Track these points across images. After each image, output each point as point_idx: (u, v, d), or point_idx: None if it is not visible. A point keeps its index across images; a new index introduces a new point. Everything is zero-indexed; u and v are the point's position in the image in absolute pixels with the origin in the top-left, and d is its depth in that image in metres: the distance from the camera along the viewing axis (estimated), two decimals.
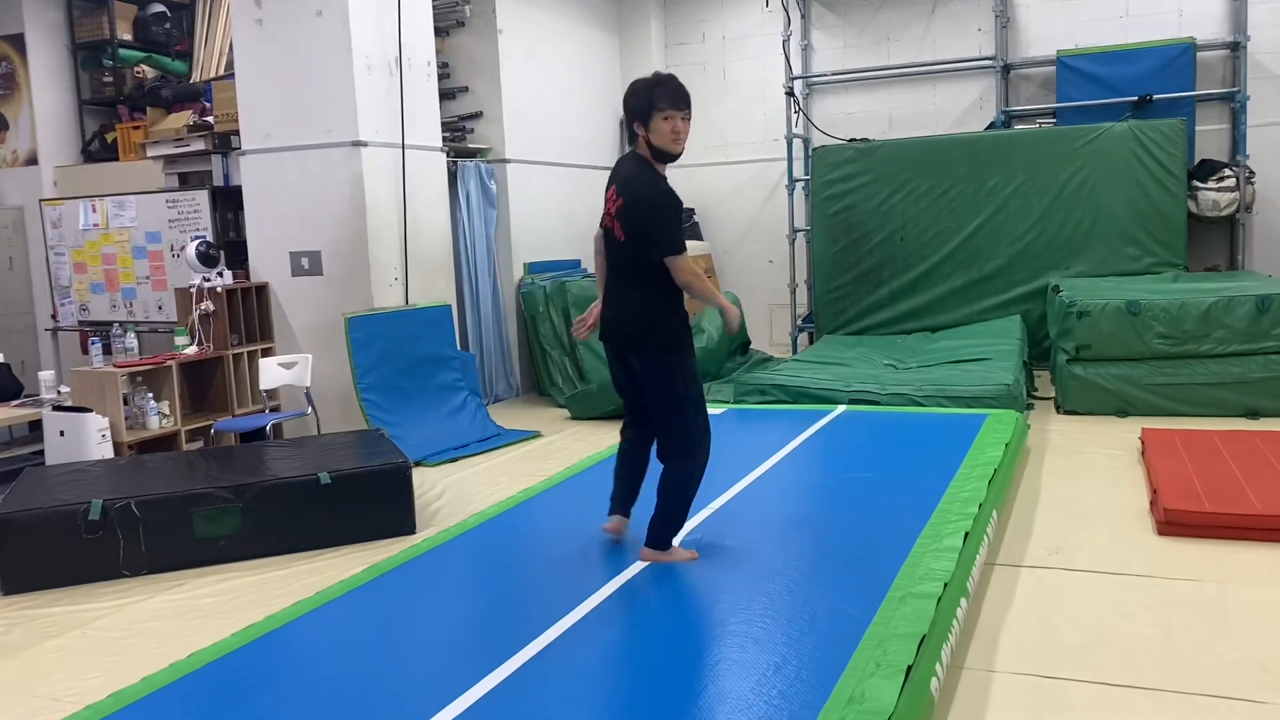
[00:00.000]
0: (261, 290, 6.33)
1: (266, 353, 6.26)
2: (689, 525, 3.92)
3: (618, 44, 9.92)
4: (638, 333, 3.46)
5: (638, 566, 3.65)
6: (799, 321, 9.42)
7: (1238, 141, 8.10)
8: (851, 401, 6.22)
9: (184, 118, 7.32)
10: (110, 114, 8.06)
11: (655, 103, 3.35)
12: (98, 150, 7.99)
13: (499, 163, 8.03)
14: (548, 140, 8.58)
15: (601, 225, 3.57)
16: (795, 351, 9.23)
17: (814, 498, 4.57)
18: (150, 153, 7.04)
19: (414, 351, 6.32)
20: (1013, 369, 6.42)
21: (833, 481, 4.71)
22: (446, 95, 8.09)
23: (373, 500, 4.52)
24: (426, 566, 3.86)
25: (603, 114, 9.62)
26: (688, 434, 3.50)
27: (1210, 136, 8.28)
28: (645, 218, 3.34)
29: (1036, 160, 8.10)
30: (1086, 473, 5.12)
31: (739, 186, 9.99)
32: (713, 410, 6.27)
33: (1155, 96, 8.07)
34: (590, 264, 9.17)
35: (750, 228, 10.01)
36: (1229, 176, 7.92)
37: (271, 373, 5.85)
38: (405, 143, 6.31)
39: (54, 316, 7.47)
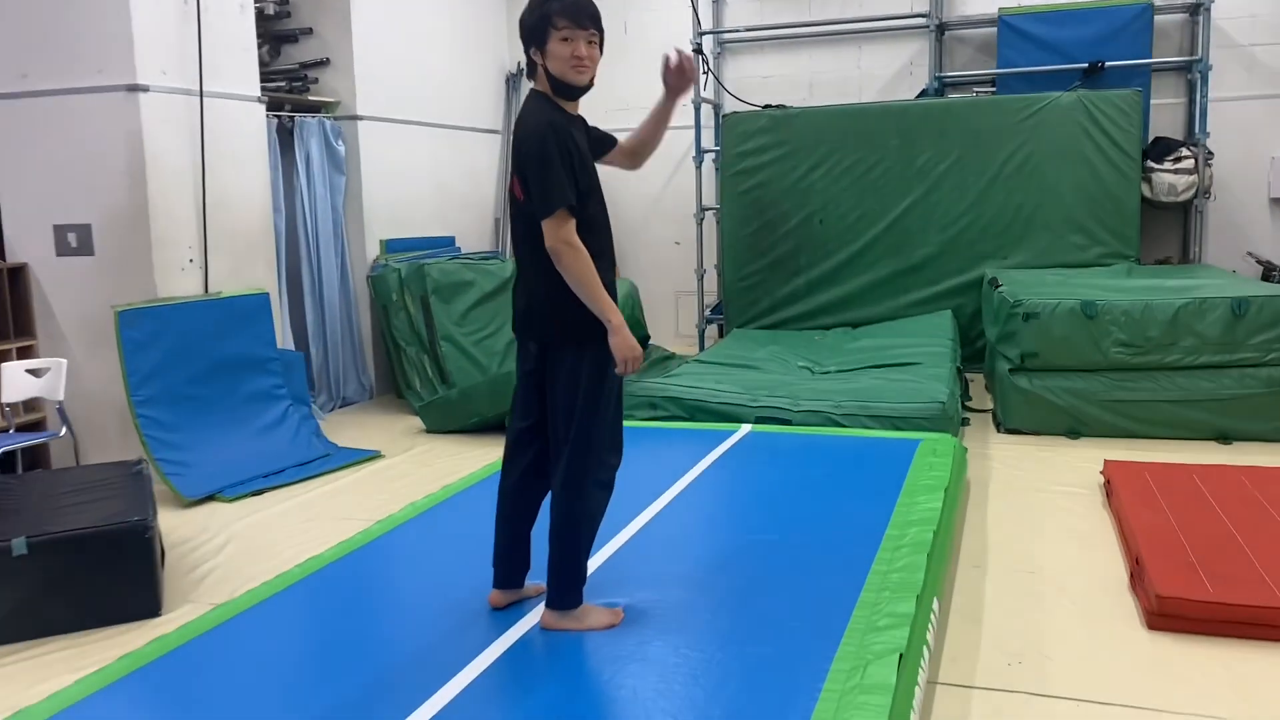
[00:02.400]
0: (18, 273, 4.98)
1: (24, 352, 4.92)
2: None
3: None
4: (544, 320, 2.73)
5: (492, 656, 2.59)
6: (707, 313, 8.32)
7: (1196, 117, 7.19)
8: (759, 420, 5.13)
9: None
10: None
11: (552, 19, 2.66)
12: None
13: (349, 119, 6.73)
14: (412, 95, 7.29)
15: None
16: (702, 348, 8.14)
17: (705, 565, 3.43)
18: None
19: (216, 352, 5.04)
20: (946, 379, 5.39)
21: (729, 543, 3.60)
22: (286, 38, 6.76)
23: (96, 573, 3.28)
24: (163, 677, 2.65)
25: (484, 69, 8.35)
26: (594, 452, 2.74)
27: (1165, 111, 7.37)
28: (528, 164, 2.63)
29: (973, 134, 7.10)
30: (1042, 522, 4.10)
31: None
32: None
33: (1108, 63, 7.12)
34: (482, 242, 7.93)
35: (655, 205, 8.85)
36: (1186, 157, 7.01)
37: (17, 381, 4.53)
38: (204, 89, 5.00)
39: None
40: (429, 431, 5.99)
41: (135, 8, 4.65)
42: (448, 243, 7.65)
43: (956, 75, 7.74)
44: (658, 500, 4.07)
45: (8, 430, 4.60)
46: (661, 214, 8.80)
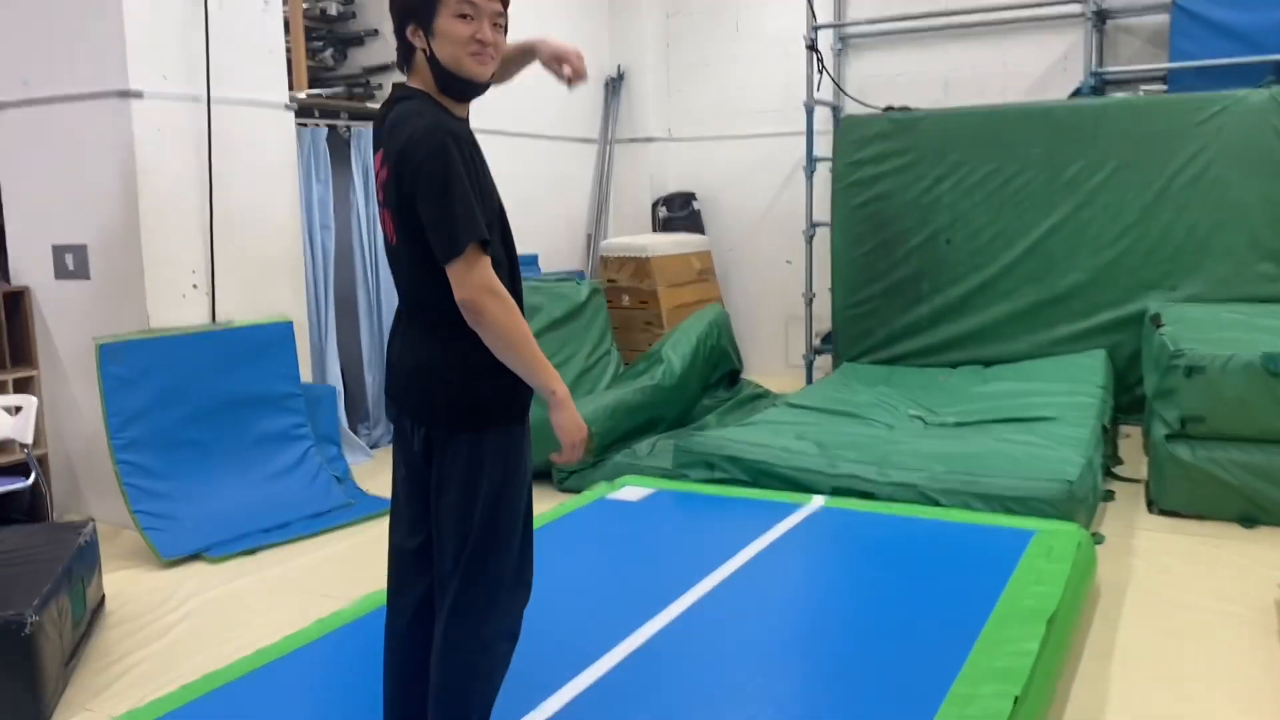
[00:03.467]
0: (18, 298, 4.58)
1: (21, 385, 4.51)
2: None
3: None
4: (429, 397, 2.02)
5: None
6: (817, 342, 7.38)
7: None
8: (836, 491, 4.22)
9: None
10: None
11: None
12: None
13: None
14: (491, 102, 6.63)
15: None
16: (809, 380, 7.22)
17: (714, 686, 2.59)
18: None
19: (221, 389, 4.51)
20: (1085, 445, 4.33)
21: (748, 656, 2.73)
22: (352, 40, 6.25)
23: None
24: None
25: None
26: (495, 588, 2.01)
27: None
28: (420, 187, 1.88)
29: (1135, 140, 5.92)
30: (1190, 663, 3.05)
31: (752, 167, 7.95)
32: (636, 491, 4.38)
33: None
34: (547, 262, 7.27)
35: (764, 219, 7.98)
36: None
37: None
38: (215, 95, 4.47)
39: None
40: None
41: (128, 6, 4.15)
42: (530, 260, 7.01)
43: (1119, 71, 6.54)
44: (694, 588, 3.28)
45: None
46: (770, 229, 7.92)
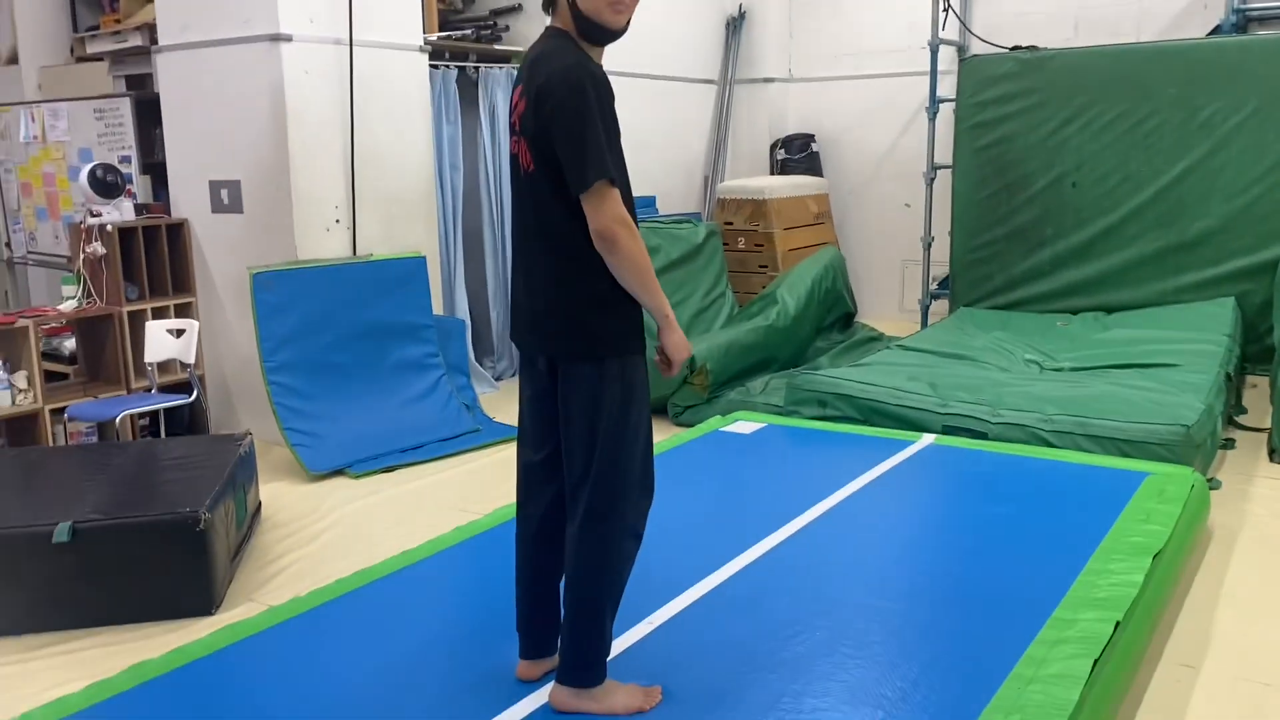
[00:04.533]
0: (178, 229, 4.95)
1: (181, 310, 4.90)
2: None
3: None
4: (556, 331, 2.18)
5: None
6: (934, 286, 7.34)
7: None
8: (946, 430, 4.29)
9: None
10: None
11: None
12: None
13: None
14: (615, 45, 6.76)
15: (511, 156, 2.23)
16: (924, 324, 7.21)
17: (805, 618, 2.75)
18: (90, 49, 5.74)
19: (362, 318, 4.81)
20: (1205, 391, 4.29)
21: (847, 592, 2.87)
22: None
23: (144, 566, 3.07)
24: (171, 693, 2.37)
25: (699, 12, 7.70)
26: (621, 493, 2.19)
27: None
28: (559, 121, 2.03)
29: (1278, 81, 5.69)
30: None
31: (873, 108, 7.89)
32: (748, 424, 4.53)
33: None
34: (664, 204, 7.39)
35: (884, 162, 7.93)
36: None
37: (158, 341, 4.48)
38: (355, 38, 4.71)
39: (8, 245, 6.41)
40: None
41: None
42: (647, 203, 7.14)
43: (1263, 8, 6.26)
44: (797, 518, 3.43)
45: (150, 390, 4.57)
46: (890, 172, 7.87)
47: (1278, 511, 3.82)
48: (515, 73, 5.67)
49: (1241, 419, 5.00)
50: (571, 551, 2.22)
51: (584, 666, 2.25)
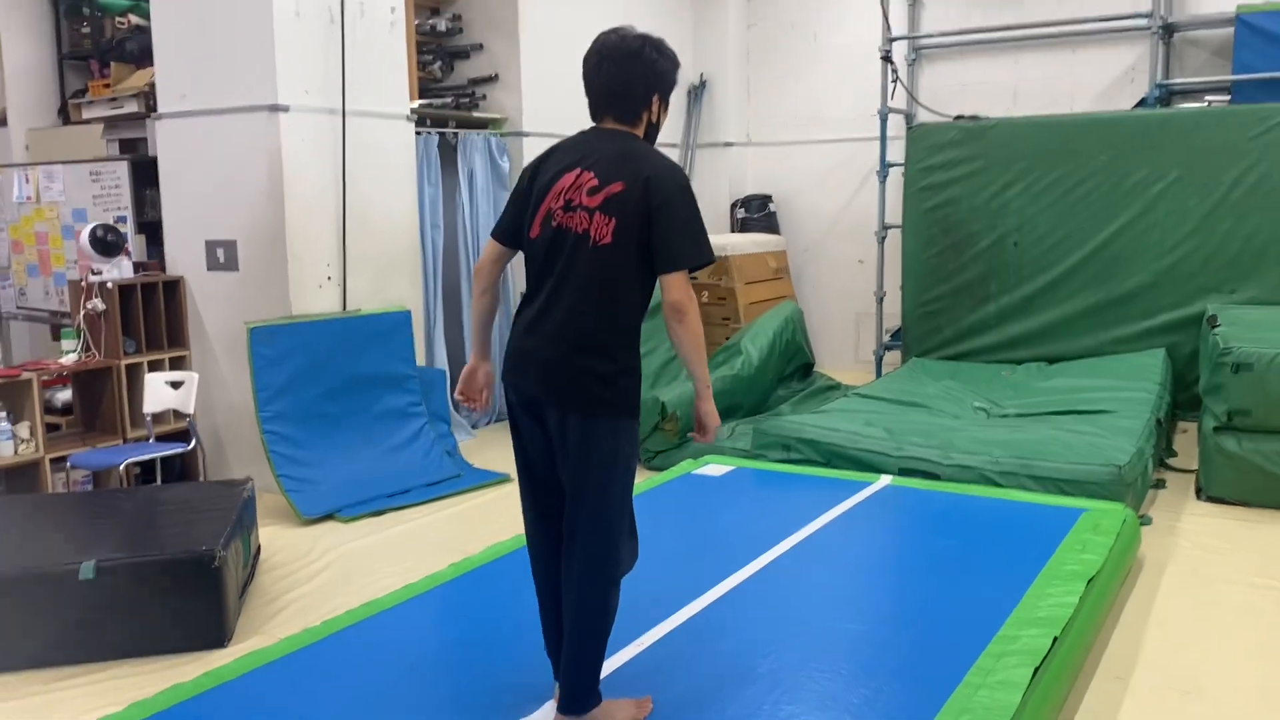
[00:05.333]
0: (174, 286, 5.19)
1: (176, 363, 5.12)
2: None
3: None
4: (587, 383, 2.35)
5: None
6: (886, 338, 7.74)
7: None
8: (902, 471, 4.63)
9: (149, 74, 6.25)
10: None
11: (676, 80, 2.59)
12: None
13: (514, 136, 6.68)
14: (583, 111, 7.14)
15: (540, 225, 2.43)
16: (879, 374, 7.59)
17: (766, 645, 3.05)
18: (86, 114, 6.00)
19: (351, 369, 5.06)
20: (1137, 435, 4.68)
21: (817, 620, 3.17)
22: (459, 54, 6.80)
23: (163, 601, 3.28)
24: (222, 702, 2.59)
25: None
26: (621, 536, 2.44)
27: None
28: (670, 211, 2.33)
29: (1199, 150, 6.20)
30: (1219, 626, 3.42)
31: (828, 171, 8.34)
32: (718, 468, 4.84)
33: None
34: None
35: (838, 221, 8.37)
36: None
37: (157, 392, 4.70)
38: (346, 108, 5.03)
39: None
40: None
41: (279, 30, 4.73)
42: None
43: (1184, 83, 6.82)
44: (766, 553, 3.72)
45: (148, 439, 4.77)
46: (844, 230, 8.30)
47: (1203, 545, 4.19)
48: (492, 138, 5.95)
49: (1172, 461, 5.40)
50: (575, 594, 2.42)
51: (584, 694, 2.46)
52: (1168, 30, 6.80)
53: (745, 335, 6.39)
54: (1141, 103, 6.77)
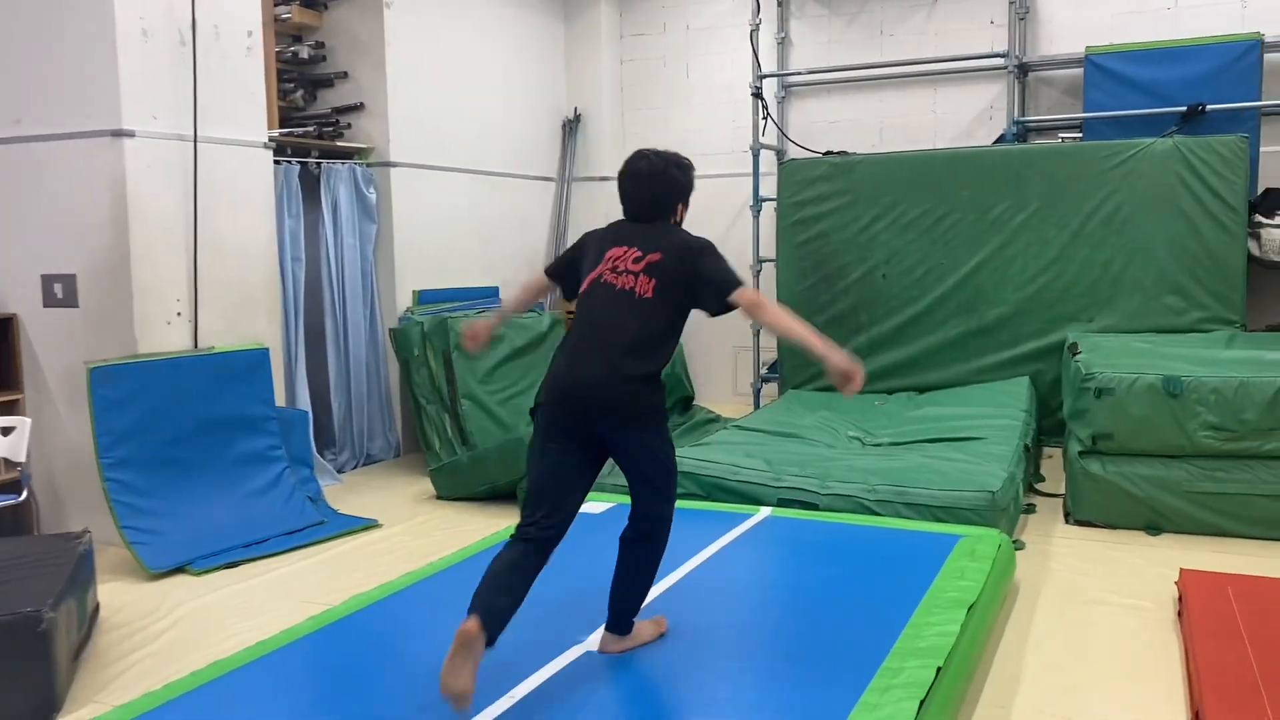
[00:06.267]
0: (7, 324, 4.80)
1: (6, 407, 4.72)
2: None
3: (562, 32, 8.35)
4: (635, 402, 2.91)
5: None
6: (763, 370, 7.77)
7: None
8: (782, 502, 4.58)
9: None
10: None
11: (693, 186, 3.26)
12: None
13: (381, 166, 6.48)
14: (454, 141, 7.02)
15: (591, 283, 3.04)
16: (757, 406, 7.60)
17: (652, 684, 2.93)
18: None
19: (203, 411, 4.75)
20: (1007, 461, 4.75)
21: (697, 657, 3.06)
22: (322, 82, 6.57)
23: None
24: None
25: (537, 114, 8.05)
26: (670, 513, 3.10)
27: (1277, 160, 6.56)
28: (704, 260, 3.01)
29: (1054, 184, 6.44)
30: (1096, 647, 3.44)
31: (702, 206, 8.22)
32: (597, 505, 4.70)
33: (1209, 107, 6.37)
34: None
35: None
36: None
37: None
38: (198, 134, 4.76)
39: None
40: (440, 498, 5.60)
41: (124, 50, 4.45)
42: (490, 294, 7.32)
43: (1039, 120, 7.09)
44: (652, 588, 3.56)
45: None
46: None
47: (1074, 568, 4.25)
48: (358, 168, 5.71)
49: (1041, 486, 5.52)
50: (643, 553, 3.06)
51: (631, 620, 3.11)
52: (1023, 70, 7.06)
53: None
54: (1000, 139, 7.00)
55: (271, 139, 5.35)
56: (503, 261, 7.59)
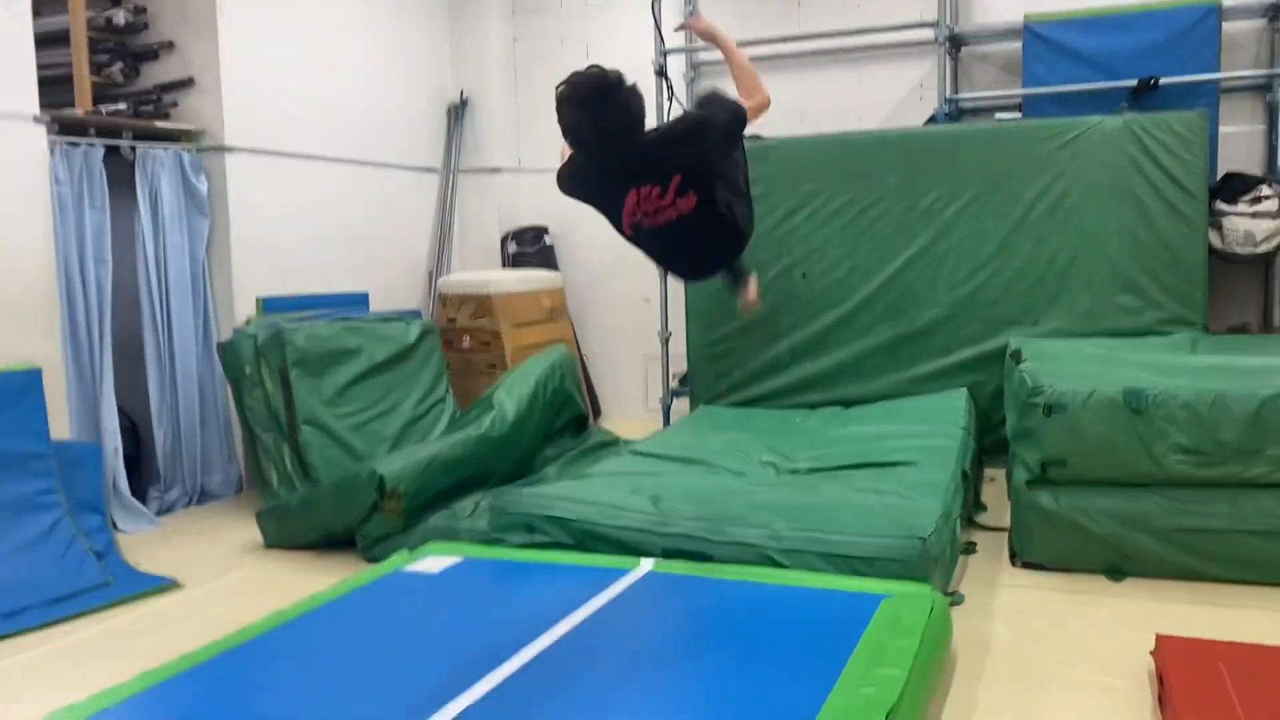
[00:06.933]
0: None
1: None
2: None
3: (445, 5, 7.43)
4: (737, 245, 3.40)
5: None
6: (674, 383, 6.92)
7: (1279, 148, 5.69)
8: (667, 553, 3.71)
9: None
10: None
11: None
12: None
13: (215, 151, 5.52)
14: (310, 125, 6.08)
15: (638, 227, 3.27)
16: (666, 422, 6.74)
17: None
18: None
19: None
20: (941, 493, 3.92)
21: None
22: (145, 55, 5.59)
23: None
24: None
25: (416, 97, 7.13)
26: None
27: (1238, 141, 5.88)
28: (704, 131, 3.13)
29: (992, 169, 5.67)
30: None
31: None
32: (438, 560, 3.79)
33: (1162, 80, 5.65)
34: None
35: (622, 253, 7.45)
36: (1267, 197, 5.49)
37: None
38: None
39: None
40: (269, 546, 4.65)
41: None
42: (358, 301, 6.37)
43: (973, 98, 6.33)
44: (490, 673, 2.70)
45: None
46: (628, 265, 7.42)
47: (1024, 629, 3.44)
48: (185, 154, 4.75)
49: (982, 518, 4.72)
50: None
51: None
52: (955, 43, 6.30)
53: (500, 386, 5.38)
54: (931, 119, 6.23)
55: (55, 117, 4.37)
56: (375, 263, 6.65)
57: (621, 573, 3.54)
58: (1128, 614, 3.50)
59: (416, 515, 4.43)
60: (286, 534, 4.57)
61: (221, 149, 5.51)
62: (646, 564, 3.60)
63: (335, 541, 4.50)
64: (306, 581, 4.06)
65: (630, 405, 7.54)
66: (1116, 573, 3.89)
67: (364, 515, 4.33)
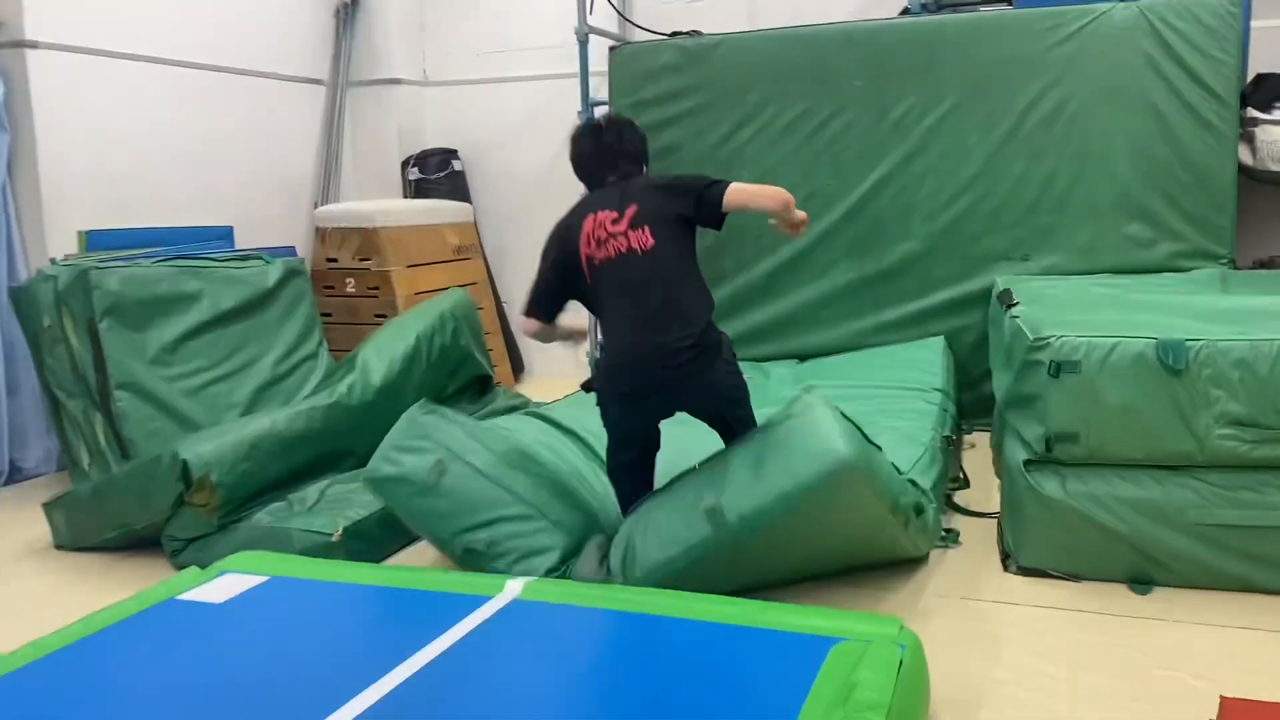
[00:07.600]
0: None
1: None
2: None
3: None
4: (706, 341, 2.84)
5: None
6: (600, 338, 5.91)
7: None
8: (549, 570, 2.75)
9: None
10: None
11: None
12: None
13: (11, 48, 4.42)
14: (152, 21, 4.99)
15: (589, 271, 2.91)
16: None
17: None
18: None
19: None
20: (924, 476, 2.99)
21: None
22: None
23: None
24: None
25: None
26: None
27: (1275, 37, 4.89)
28: (678, 183, 2.97)
29: (977, 70, 4.70)
30: None
31: (527, 117, 6.45)
32: (236, 580, 2.75)
33: None
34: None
35: (545, 180, 6.43)
36: None
37: None
38: None
39: None
40: (59, 547, 3.64)
41: None
42: (220, 235, 5.31)
43: None
44: None
45: None
46: (552, 193, 6.27)
47: (1024, 669, 2.51)
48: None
49: (963, 498, 3.79)
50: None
51: None
52: None
53: (370, 344, 4.37)
54: (905, 11, 5.19)
55: None
56: (242, 190, 5.58)
57: (480, 600, 2.57)
58: (1165, 647, 2.59)
59: (240, 509, 3.43)
60: (79, 532, 3.56)
61: (21, 44, 4.41)
62: (514, 589, 2.64)
63: (143, 541, 3.51)
64: (92, 599, 3.04)
65: (562, 361, 6.55)
66: (1142, 583, 2.96)
67: (168, 510, 3.33)
